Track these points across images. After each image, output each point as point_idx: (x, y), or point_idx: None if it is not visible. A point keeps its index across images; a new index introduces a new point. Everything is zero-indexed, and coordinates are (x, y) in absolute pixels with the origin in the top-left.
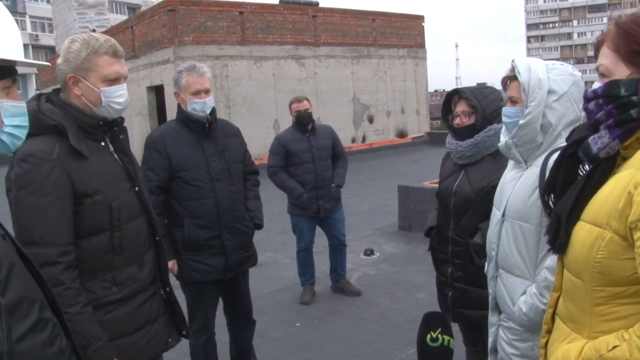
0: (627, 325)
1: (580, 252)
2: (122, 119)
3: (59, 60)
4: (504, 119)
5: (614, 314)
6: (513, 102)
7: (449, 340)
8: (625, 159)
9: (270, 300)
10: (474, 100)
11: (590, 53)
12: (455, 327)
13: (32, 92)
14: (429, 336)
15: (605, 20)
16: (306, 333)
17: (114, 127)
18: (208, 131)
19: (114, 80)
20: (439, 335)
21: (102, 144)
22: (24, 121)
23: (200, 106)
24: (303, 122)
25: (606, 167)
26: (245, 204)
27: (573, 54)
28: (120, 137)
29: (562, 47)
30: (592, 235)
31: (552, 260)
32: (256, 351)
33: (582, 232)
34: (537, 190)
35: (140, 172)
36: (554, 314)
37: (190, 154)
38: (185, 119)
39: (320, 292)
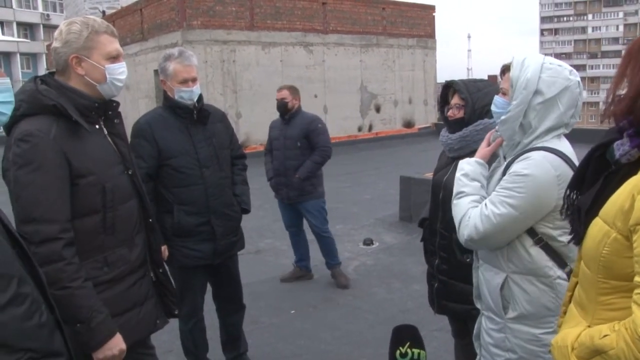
0: (625, 316)
1: (590, 246)
2: (118, 104)
3: (57, 44)
4: (492, 107)
5: (615, 304)
6: (504, 93)
7: (419, 353)
8: None
9: (267, 286)
10: (465, 93)
11: (605, 48)
12: (446, 319)
13: (42, 71)
14: (398, 352)
15: (621, 15)
16: (300, 320)
17: (108, 111)
18: (196, 117)
19: (115, 58)
20: (408, 350)
21: (97, 126)
22: (9, 97)
23: (187, 94)
24: (279, 110)
25: (628, 171)
26: (233, 189)
27: (587, 49)
28: (115, 121)
29: (575, 41)
30: (602, 231)
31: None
32: (249, 337)
33: (595, 228)
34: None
35: (133, 155)
36: (571, 297)
37: (178, 141)
38: (172, 105)
39: (317, 279)
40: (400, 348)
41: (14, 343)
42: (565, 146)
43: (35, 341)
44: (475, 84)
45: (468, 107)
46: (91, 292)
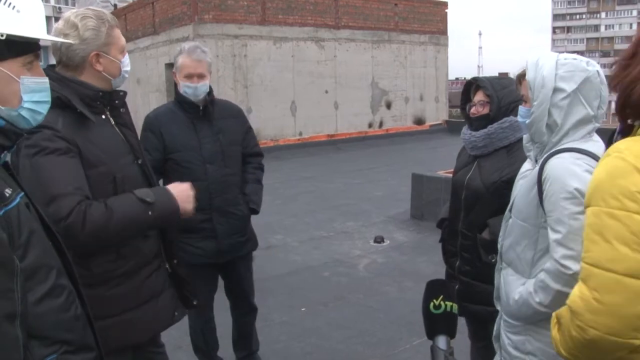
0: None
1: None
2: (124, 93)
3: (72, 40)
4: (518, 117)
5: None
6: (525, 100)
7: (452, 306)
8: None
9: (277, 283)
10: (490, 89)
11: (618, 47)
12: (461, 321)
13: None
14: (431, 304)
15: (635, 13)
16: (311, 318)
17: (114, 100)
18: (202, 113)
19: (124, 50)
20: (442, 302)
21: (103, 117)
22: (45, 97)
23: (191, 90)
24: None
25: None
26: (243, 187)
27: (599, 47)
28: (121, 110)
29: (588, 39)
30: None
31: (550, 263)
32: (260, 334)
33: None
34: (534, 191)
35: (142, 145)
36: None
37: (183, 136)
38: (180, 99)
39: (328, 277)
40: (434, 300)
41: (51, 334)
42: (597, 146)
43: (70, 333)
44: (500, 81)
45: (493, 104)
46: (130, 199)
